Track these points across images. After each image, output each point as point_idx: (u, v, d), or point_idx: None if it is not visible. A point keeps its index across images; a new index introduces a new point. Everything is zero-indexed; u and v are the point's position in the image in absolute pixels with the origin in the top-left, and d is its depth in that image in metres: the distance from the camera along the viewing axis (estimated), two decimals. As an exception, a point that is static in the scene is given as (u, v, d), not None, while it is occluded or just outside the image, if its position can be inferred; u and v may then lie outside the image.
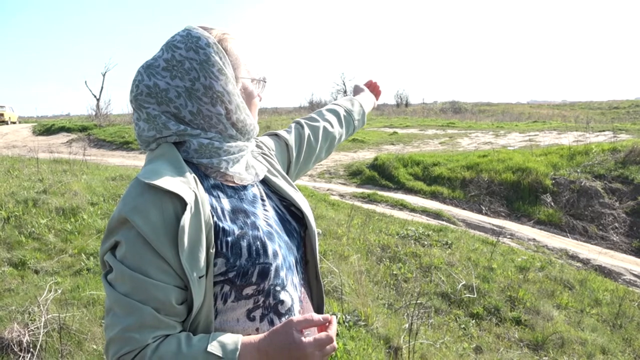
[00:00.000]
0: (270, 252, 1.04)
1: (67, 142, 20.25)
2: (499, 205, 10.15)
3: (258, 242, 1.03)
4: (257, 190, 1.17)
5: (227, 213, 1.05)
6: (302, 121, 1.53)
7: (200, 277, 0.96)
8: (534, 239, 8.12)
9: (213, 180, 1.09)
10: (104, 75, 33.02)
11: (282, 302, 1.07)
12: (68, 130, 23.96)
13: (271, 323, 1.05)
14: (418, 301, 4.32)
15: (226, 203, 1.07)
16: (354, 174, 12.46)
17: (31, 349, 3.05)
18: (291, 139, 1.44)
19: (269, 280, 1.04)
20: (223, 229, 1.01)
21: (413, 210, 9.22)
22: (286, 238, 1.14)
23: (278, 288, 1.07)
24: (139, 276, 0.93)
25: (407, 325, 3.79)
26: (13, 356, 3.01)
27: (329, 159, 15.43)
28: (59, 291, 3.81)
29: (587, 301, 5.42)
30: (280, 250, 1.08)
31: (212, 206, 1.04)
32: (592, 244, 8.45)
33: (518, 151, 12.99)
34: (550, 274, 5.96)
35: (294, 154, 1.42)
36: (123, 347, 0.92)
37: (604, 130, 17.64)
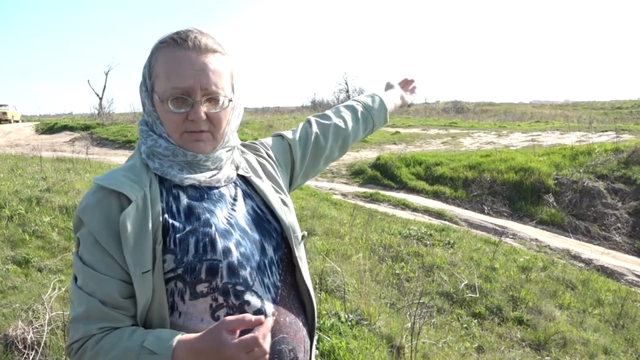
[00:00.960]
0: (219, 249, 1.04)
1: (69, 140, 20.29)
2: (501, 205, 10.15)
3: (207, 239, 1.04)
4: (227, 190, 1.16)
5: (182, 211, 1.07)
6: (313, 119, 1.50)
7: (144, 273, 0.99)
8: (536, 239, 8.12)
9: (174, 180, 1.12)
10: (106, 74, 33.13)
11: (247, 302, 1.05)
12: (71, 129, 24.00)
13: None
14: (420, 300, 4.33)
15: (183, 201, 1.08)
16: (356, 174, 12.47)
17: (35, 347, 3.06)
18: (295, 139, 1.41)
19: (221, 278, 1.03)
20: (173, 225, 1.04)
21: (415, 209, 9.23)
22: (257, 237, 1.12)
23: (240, 288, 1.05)
24: (89, 270, 1.00)
25: (409, 325, 3.79)
26: (17, 353, 3.03)
27: (331, 158, 15.41)
28: (63, 289, 3.82)
29: (589, 301, 5.42)
30: (238, 249, 1.06)
31: (167, 204, 1.07)
32: (594, 244, 8.45)
33: (520, 151, 12.98)
34: (552, 274, 5.96)
35: (299, 154, 1.40)
36: (73, 336, 0.99)
37: (606, 131, 17.61)
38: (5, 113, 29.93)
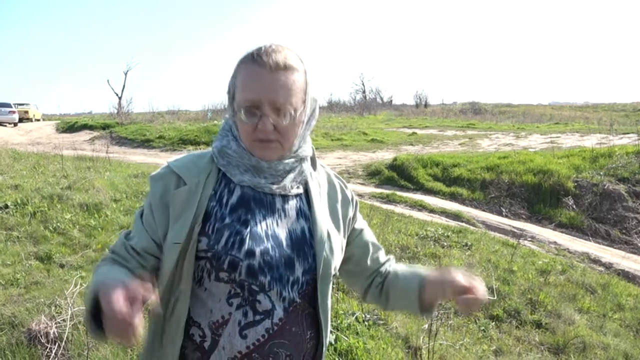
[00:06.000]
0: (244, 249, 1.12)
1: (89, 139, 20.62)
2: (519, 207, 10.05)
3: (237, 237, 1.13)
4: (281, 202, 1.21)
5: (229, 204, 1.17)
6: (374, 249, 1.40)
7: (175, 243, 1.13)
8: (555, 242, 8.02)
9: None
10: (125, 74, 33.60)
11: (259, 301, 1.13)
12: (90, 128, 24.41)
13: (245, 315, 1.12)
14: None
15: (235, 196, 1.19)
16: (372, 174, 12.45)
17: (58, 341, 3.12)
18: (359, 229, 1.38)
19: (240, 275, 1.11)
20: (216, 213, 1.16)
21: (432, 211, 9.18)
22: (289, 254, 1.16)
23: (255, 288, 1.13)
24: (138, 217, 1.22)
25: (426, 326, 3.78)
26: (40, 347, 3.09)
27: (347, 158, 15.42)
28: (84, 285, 3.89)
29: (609, 306, 5.34)
30: (262, 256, 1.13)
31: (219, 194, 1.19)
32: (615, 248, 8.32)
33: (539, 153, 12.84)
34: (571, 277, 5.89)
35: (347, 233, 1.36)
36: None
37: (628, 133, 17.33)
38: (27, 112, 30.48)
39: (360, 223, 1.39)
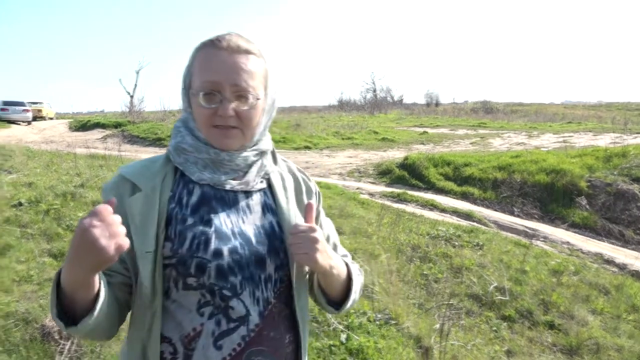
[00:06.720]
0: (210, 249, 1.06)
1: (102, 138, 20.78)
2: (531, 207, 9.96)
3: (202, 237, 1.07)
4: (245, 198, 1.16)
5: (190, 205, 1.11)
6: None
7: (146, 252, 1.05)
8: (568, 242, 7.94)
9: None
10: (137, 72, 33.83)
11: (232, 307, 1.07)
12: (103, 126, 24.59)
13: (218, 324, 1.06)
14: (449, 302, 4.29)
15: (195, 197, 1.13)
16: (383, 173, 12.41)
17: (70, 337, 3.15)
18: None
19: (209, 277, 1.06)
20: (177, 216, 1.10)
21: (443, 210, 9.13)
22: (260, 250, 1.12)
23: (226, 292, 1.07)
24: None
25: (438, 326, 3.76)
26: (54, 343, 3.12)
27: (358, 157, 15.40)
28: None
29: (623, 307, 5.28)
30: (231, 255, 1.08)
31: (178, 196, 1.12)
32: (629, 248, 8.22)
33: (552, 152, 12.72)
34: (585, 278, 5.83)
35: None
36: None
37: (642, 132, 17.11)
38: (40, 110, 30.82)
39: (323, 219, 1.33)
